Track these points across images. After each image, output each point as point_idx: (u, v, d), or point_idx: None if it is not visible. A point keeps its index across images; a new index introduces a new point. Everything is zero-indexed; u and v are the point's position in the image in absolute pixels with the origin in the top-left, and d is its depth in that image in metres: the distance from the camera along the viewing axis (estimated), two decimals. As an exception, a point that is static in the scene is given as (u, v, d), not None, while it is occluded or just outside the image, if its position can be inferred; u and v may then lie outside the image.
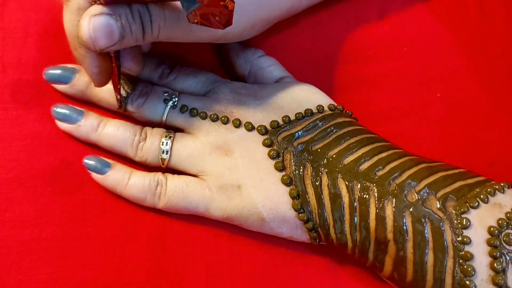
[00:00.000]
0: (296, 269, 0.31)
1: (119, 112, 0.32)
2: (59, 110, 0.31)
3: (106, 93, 0.31)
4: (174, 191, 0.29)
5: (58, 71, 0.31)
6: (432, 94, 0.36)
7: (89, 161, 0.30)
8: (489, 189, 0.26)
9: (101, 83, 0.28)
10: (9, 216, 0.30)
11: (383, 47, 0.37)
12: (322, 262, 0.31)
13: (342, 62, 0.36)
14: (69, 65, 0.32)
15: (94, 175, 0.30)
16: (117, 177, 0.30)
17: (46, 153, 0.31)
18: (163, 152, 0.30)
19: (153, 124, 0.31)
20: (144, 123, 0.32)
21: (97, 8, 0.24)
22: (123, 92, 0.31)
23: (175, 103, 0.31)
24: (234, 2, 0.23)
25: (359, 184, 0.27)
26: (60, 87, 0.32)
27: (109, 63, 0.27)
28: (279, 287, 0.31)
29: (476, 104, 0.36)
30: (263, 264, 0.31)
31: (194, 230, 0.31)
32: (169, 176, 0.30)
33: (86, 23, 0.24)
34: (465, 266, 0.25)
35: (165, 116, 0.31)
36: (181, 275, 0.30)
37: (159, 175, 0.30)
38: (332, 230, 0.28)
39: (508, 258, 0.25)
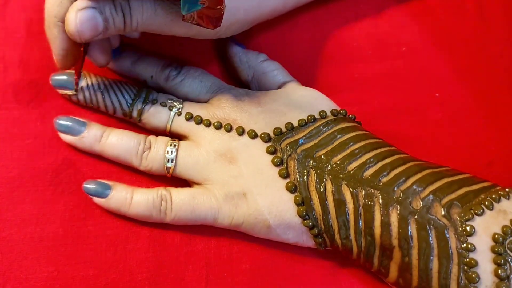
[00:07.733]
0: (296, 268, 0.31)
1: (123, 120, 0.32)
2: (61, 122, 0.31)
3: (113, 99, 0.31)
4: (181, 206, 0.29)
5: (64, 77, 0.31)
6: (431, 94, 0.36)
7: (89, 186, 0.30)
8: (494, 195, 0.26)
9: (63, 66, 0.29)
10: (10, 215, 0.30)
11: (382, 46, 0.37)
12: (322, 262, 0.31)
13: (341, 61, 0.36)
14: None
15: (96, 200, 0.30)
16: (120, 198, 0.30)
17: (48, 153, 0.31)
18: (168, 161, 0.30)
19: (158, 131, 0.31)
20: (148, 130, 0.32)
21: (82, 2, 0.25)
22: (128, 98, 0.31)
23: (180, 110, 0.31)
24: (225, 6, 0.25)
25: (363, 191, 0.27)
26: (65, 92, 0.31)
27: (77, 49, 0.28)
28: (279, 287, 0.31)
29: (474, 104, 0.36)
30: (263, 263, 0.31)
31: (195, 229, 0.31)
32: (173, 190, 0.30)
33: (73, 16, 0.25)
34: (469, 273, 0.25)
35: (170, 123, 0.31)
36: (182, 273, 0.30)
37: (161, 190, 0.30)
38: (337, 236, 0.28)
39: None
